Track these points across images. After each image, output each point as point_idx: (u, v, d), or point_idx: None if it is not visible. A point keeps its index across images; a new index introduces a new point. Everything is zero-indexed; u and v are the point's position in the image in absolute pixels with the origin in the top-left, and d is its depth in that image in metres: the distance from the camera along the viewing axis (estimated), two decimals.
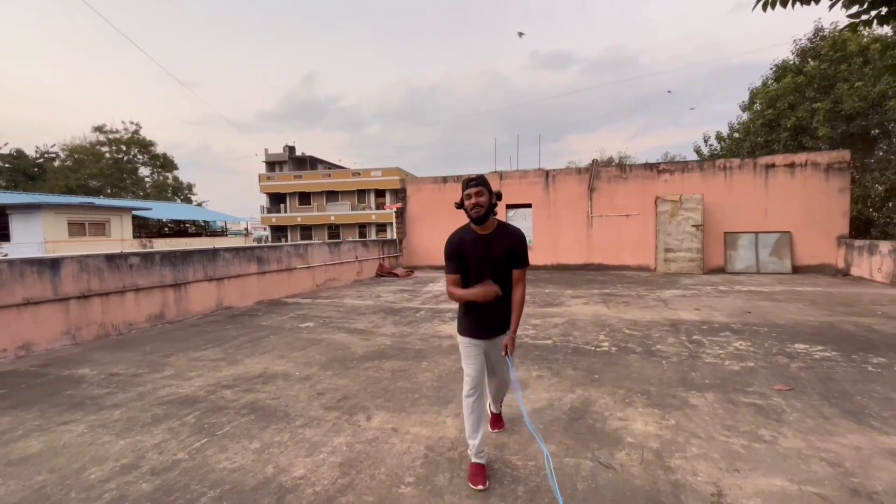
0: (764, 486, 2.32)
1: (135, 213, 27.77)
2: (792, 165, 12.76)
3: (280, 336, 6.00)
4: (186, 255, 7.61)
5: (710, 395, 3.64)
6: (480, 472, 2.40)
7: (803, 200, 12.58)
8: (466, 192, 2.44)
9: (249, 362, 4.78)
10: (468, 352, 2.54)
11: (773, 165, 12.92)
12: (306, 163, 46.41)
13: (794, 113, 16.61)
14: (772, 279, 11.36)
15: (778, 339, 5.36)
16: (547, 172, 15.12)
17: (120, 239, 24.91)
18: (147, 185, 43.71)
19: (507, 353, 2.48)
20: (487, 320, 2.52)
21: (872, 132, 15.78)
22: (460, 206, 2.51)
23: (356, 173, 40.68)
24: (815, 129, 15.69)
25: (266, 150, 47.06)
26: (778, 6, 4.84)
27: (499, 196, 2.49)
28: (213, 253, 8.19)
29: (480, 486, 2.34)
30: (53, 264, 5.64)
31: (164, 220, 33.67)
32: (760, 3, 4.86)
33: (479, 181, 2.44)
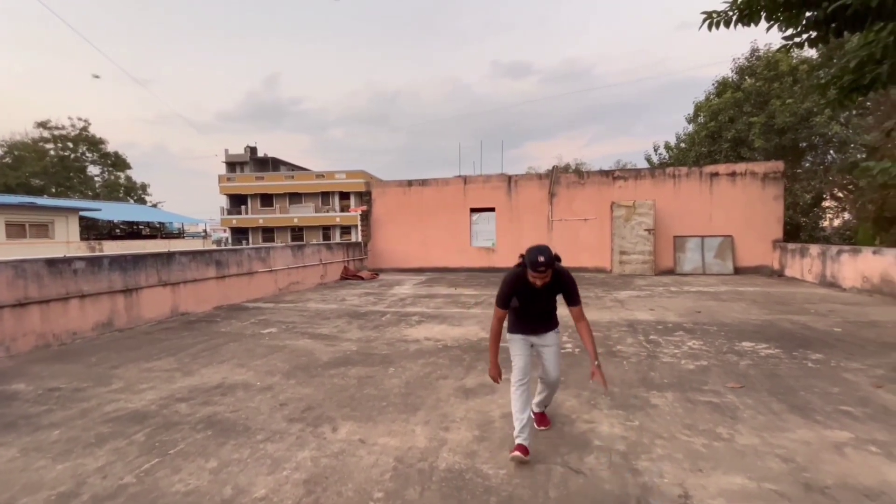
0: (726, 486, 2.39)
1: (82, 213, 26.13)
2: (733, 174, 13.54)
3: (240, 343, 5.74)
4: (138, 259, 7.18)
5: (670, 394, 3.75)
6: (520, 449, 2.64)
7: (743, 207, 13.35)
8: (534, 273, 2.59)
9: (206, 372, 4.54)
10: (517, 346, 2.88)
11: (716, 174, 13.66)
12: (268, 164, 45.15)
13: (733, 126, 17.73)
14: (716, 280, 11.97)
15: (727, 338, 5.61)
16: (510, 177, 15.33)
17: (65, 241, 23.36)
18: (96, 185, 41.23)
19: (596, 377, 2.73)
20: (534, 323, 2.90)
21: (801, 145, 17.06)
22: (522, 265, 2.70)
23: (320, 175, 39.93)
24: (752, 141, 16.81)
25: (226, 150, 45.53)
26: (721, 26, 5.17)
27: (557, 258, 2.64)
28: (168, 256, 7.78)
29: (518, 454, 2.61)
30: None
31: (115, 221, 31.85)
32: (706, 24, 5.19)
33: (548, 263, 2.55)
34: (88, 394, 3.97)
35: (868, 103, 14.55)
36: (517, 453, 2.61)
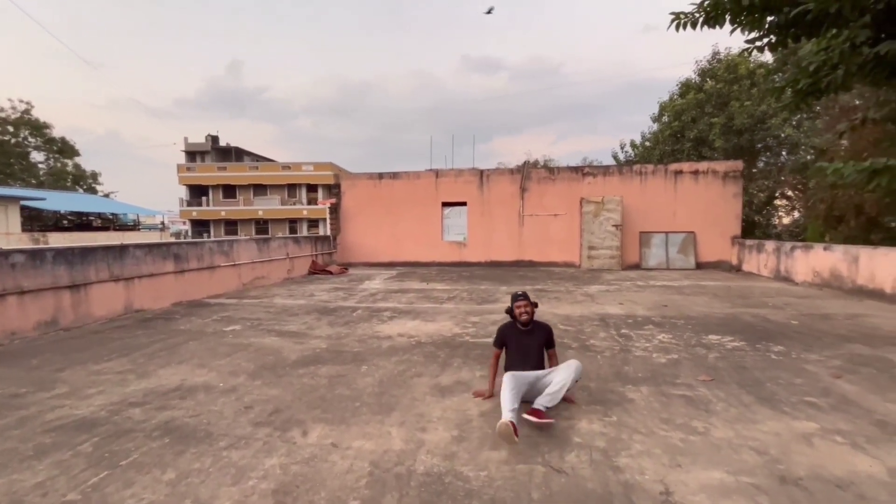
0: (706, 481, 2.39)
1: (24, 203, 24.30)
2: (696, 173, 14.01)
3: (201, 342, 5.43)
4: (87, 252, 6.67)
5: (645, 388, 3.77)
6: (512, 426, 2.75)
7: (705, 204, 13.84)
8: (516, 303, 3.48)
9: (164, 374, 4.24)
10: (513, 375, 3.25)
11: (681, 172, 14.09)
12: (231, 154, 43.40)
13: (695, 126, 18.39)
14: (679, 274, 12.38)
15: (694, 331, 5.75)
16: (482, 172, 15.30)
17: (5, 233, 21.68)
18: (41, 173, 38.46)
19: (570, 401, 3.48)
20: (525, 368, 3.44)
21: (757, 146, 17.89)
22: (510, 311, 3.55)
23: (286, 167, 38.77)
24: (713, 140, 17.49)
25: (186, 139, 43.38)
26: (689, 27, 5.30)
27: (535, 305, 3.57)
28: (121, 249, 7.28)
29: (509, 428, 2.73)
30: None
31: (62, 211, 29.81)
32: (674, 24, 5.31)
33: (525, 295, 3.52)
34: (28, 400, 3.61)
35: (818, 107, 15.37)
36: (508, 425, 2.67)
